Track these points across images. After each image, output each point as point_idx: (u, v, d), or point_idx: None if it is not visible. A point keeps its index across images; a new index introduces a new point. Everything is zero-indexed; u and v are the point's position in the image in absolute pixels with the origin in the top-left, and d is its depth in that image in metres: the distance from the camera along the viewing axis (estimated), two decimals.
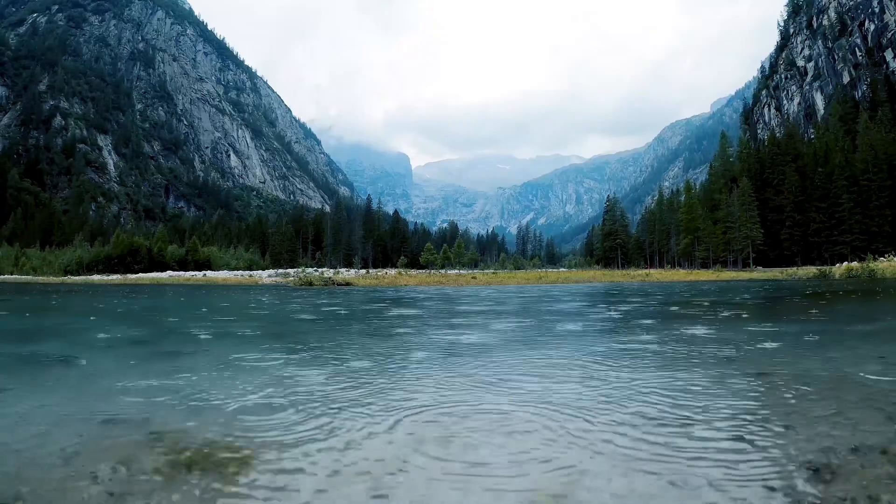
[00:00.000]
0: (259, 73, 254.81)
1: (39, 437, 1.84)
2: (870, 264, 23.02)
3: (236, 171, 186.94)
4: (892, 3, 76.71)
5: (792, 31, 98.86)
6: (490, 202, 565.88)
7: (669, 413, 2.08)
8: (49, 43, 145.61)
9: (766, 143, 64.75)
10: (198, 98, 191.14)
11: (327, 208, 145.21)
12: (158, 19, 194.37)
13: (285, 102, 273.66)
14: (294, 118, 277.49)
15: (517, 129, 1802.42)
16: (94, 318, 7.95)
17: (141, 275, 42.40)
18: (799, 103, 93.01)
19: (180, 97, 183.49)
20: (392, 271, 41.21)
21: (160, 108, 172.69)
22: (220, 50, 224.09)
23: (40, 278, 42.73)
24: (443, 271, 44.97)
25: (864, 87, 76.05)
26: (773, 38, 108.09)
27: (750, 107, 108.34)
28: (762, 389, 2.49)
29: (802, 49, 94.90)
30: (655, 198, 79.67)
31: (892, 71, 74.65)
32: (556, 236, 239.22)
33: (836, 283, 17.01)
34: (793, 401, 2.27)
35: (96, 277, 41.57)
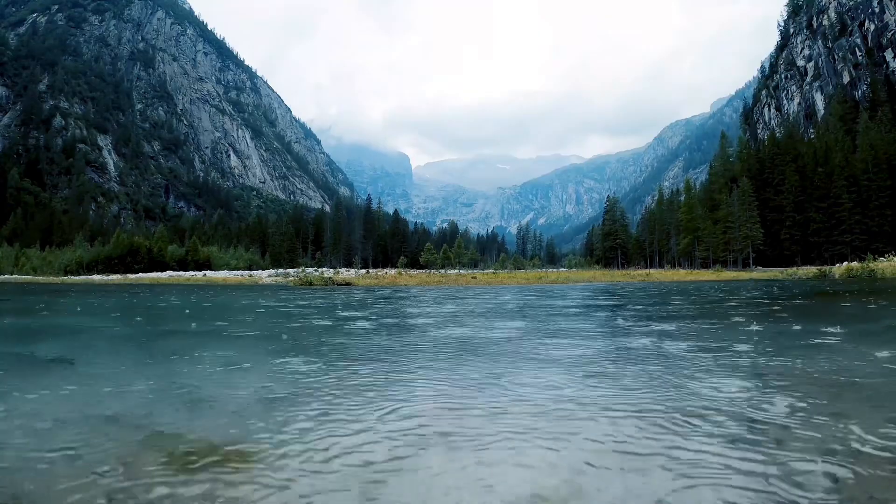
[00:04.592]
0: (259, 73, 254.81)
1: (39, 437, 1.84)
2: (870, 264, 23.00)
3: (236, 171, 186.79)
4: (892, 4, 76.65)
5: (792, 31, 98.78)
6: (490, 202, 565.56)
7: (669, 413, 2.08)
8: (49, 43, 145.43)
9: (766, 143, 64.71)
10: (198, 98, 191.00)
11: (327, 208, 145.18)
12: (158, 19, 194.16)
13: (285, 102, 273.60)
14: (294, 118, 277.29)
15: (517, 129, 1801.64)
16: (95, 318, 7.95)
17: (141, 275, 42.39)
18: (799, 103, 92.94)
19: (180, 97, 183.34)
20: (392, 271, 41.19)
21: (160, 108, 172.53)
22: (220, 50, 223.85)
23: (40, 278, 42.72)
24: (443, 271, 44.96)
25: (864, 87, 76.01)
26: (773, 38, 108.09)
27: (750, 107, 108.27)
28: (762, 390, 2.50)
29: (802, 49, 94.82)
30: (655, 198, 79.64)
31: (892, 71, 74.62)
32: (556, 236, 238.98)
33: (836, 283, 17.01)
34: (793, 401, 2.27)
35: (96, 277, 41.56)
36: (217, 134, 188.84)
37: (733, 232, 53.46)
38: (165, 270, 49.03)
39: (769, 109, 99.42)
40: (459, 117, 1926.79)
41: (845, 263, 26.76)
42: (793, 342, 4.15)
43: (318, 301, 11.31)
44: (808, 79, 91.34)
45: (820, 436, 1.76)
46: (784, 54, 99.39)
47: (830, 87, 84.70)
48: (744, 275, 30.41)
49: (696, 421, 1.96)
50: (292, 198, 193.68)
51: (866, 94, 73.56)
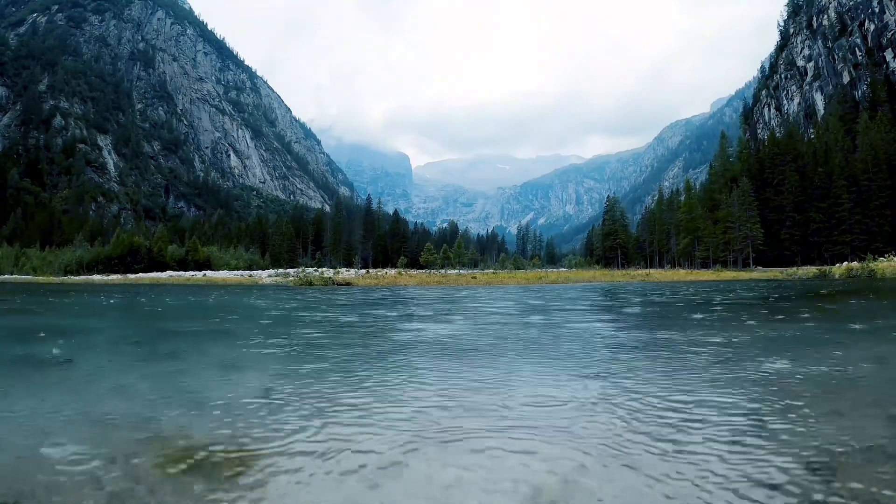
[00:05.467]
0: (259, 73, 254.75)
1: (39, 437, 1.83)
2: (870, 264, 22.99)
3: (236, 171, 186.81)
4: (892, 4, 76.63)
5: (792, 31, 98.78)
6: (490, 202, 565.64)
7: (668, 412, 2.08)
8: (49, 43, 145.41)
9: (766, 143, 64.69)
10: (198, 98, 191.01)
11: (327, 208, 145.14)
12: (158, 19, 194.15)
13: (285, 102, 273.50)
14: (294, 118, 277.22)
15: (517, 129, 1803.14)
16: (95, 318, 7.96)
17: (141, 275, 42.39)
18: (799, 103, 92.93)
19: (180, 97, 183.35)
20: (392, 271, 41.20)
21: (160, 108, 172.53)
22: (220, 50, 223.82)
23: (40, 278, 42.72)
24: (443, 271, 44.98)
25: (864, 87, 75.98)
26: (773, 38, 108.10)
27: (750, 107, 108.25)
28: (761, 389, 2.50)
29: (802, 49, 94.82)
30: (655, 198, 79.71)
31: (892, 71, 74.59)
32: (556, 236, 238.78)
33: (836, 283, 17.01)
34: (793, 400, 2.27)
35: (96, 277, 41.57)
36: (217, 134, 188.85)
37: (733, 232, 53.46)
38: (165, 270, 49.03)
39: (769, 109, 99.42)
40: (459, 117, 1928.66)
41: (845, 263, 26.75)
42: (790, 342, 4.15)
43: (318, 301, 11.31)
44: (808, 79, 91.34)
45: (820, 435, 1.76)
46: (784, 54, 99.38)
47: (830, 87, 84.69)
48: (743, 275, 30.42)
49: (694, 421, 1.96)
50: (292, 198, 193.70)
51: (866, 94, 73.53)
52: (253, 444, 1.73)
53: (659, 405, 2.20)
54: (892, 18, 76.82)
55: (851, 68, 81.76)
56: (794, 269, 35.44)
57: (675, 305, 9.18)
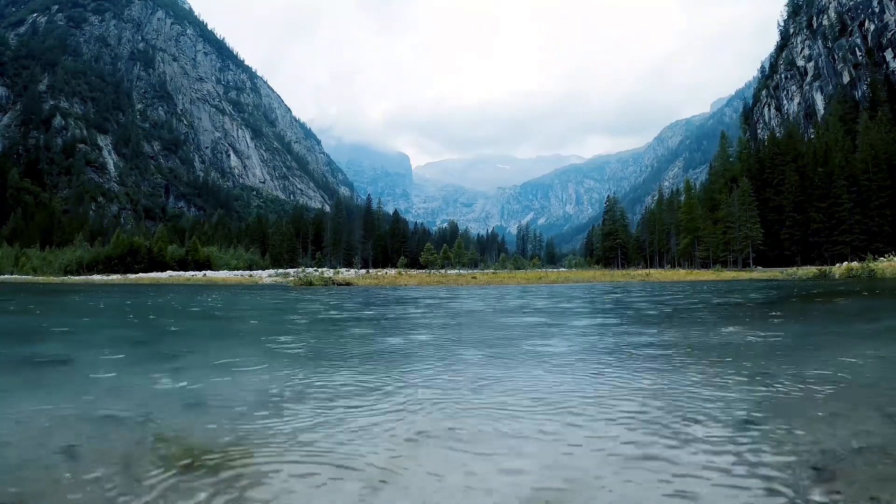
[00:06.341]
0: (259, 73, 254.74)
1: (39, 437, 1.83)
2: (870, 264, 22.96)
3: (236, 171, 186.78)
4: (892, 4, 76.63)
5: (792, 31, 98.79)
6: (490, 202, 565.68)
7: (668, 413, 2.08)
8: (49, 43, 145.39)
9: (766, 143, 64.72)
10: (198, 98, 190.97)
11: (327, 208, 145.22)
12: (158, 19, 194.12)
13: (285, 102, 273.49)
14: (294, 118, 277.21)
15: (517, 129, 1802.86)
16: (95, 318, 7.96)
17: (141, 275, 42.40)
18: (799, 103, 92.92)
19: (180, 97, 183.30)
20: (392, 271, 41.23)
21: (160, 108, 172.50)
22: (220, 50, 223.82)
23: (40, 278, 42.72)
24: (443, 271, 44.99)
25: (864, 87, 75.98)
26: (773, 38, 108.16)
27: (750, 107, 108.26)
28: (762, 389, 2.49)
29: (802, 49, 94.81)
30: (655, 198, 79.75)
31: (892, 71, 74.59)
32: (556, 236, 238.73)
33: (835, 283, 17.01)
34: (793, 401, 2.27)
35: (96, 277, 41.57)
36: (217, 134, 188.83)
37: (733, 232, 53.46)
38: (165, 270, 49.04)
39: (769, 109, 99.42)
40: (459, 117, 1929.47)
41: (845, 263, 26.73)
42: (789, 342, 4.15)
43: (318, 301, 11.31)
44: (808, 79, 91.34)
45: (818, 436, 1.76)
46: (784, 54, 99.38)
47: (830, 87, 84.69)
48: (743, 275, 30.40)
49: (693, 423, 1.96)
50: (292, 198, 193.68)
51: (866, 94, 73.54)
52: (253, 444, 1.73)
53: (658, 406, 2.20)
54: (892, 18, 76.81)
55: (851, 68, 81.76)
56: (794, 269, 35.42)
57: (676, 306, 9.18)
